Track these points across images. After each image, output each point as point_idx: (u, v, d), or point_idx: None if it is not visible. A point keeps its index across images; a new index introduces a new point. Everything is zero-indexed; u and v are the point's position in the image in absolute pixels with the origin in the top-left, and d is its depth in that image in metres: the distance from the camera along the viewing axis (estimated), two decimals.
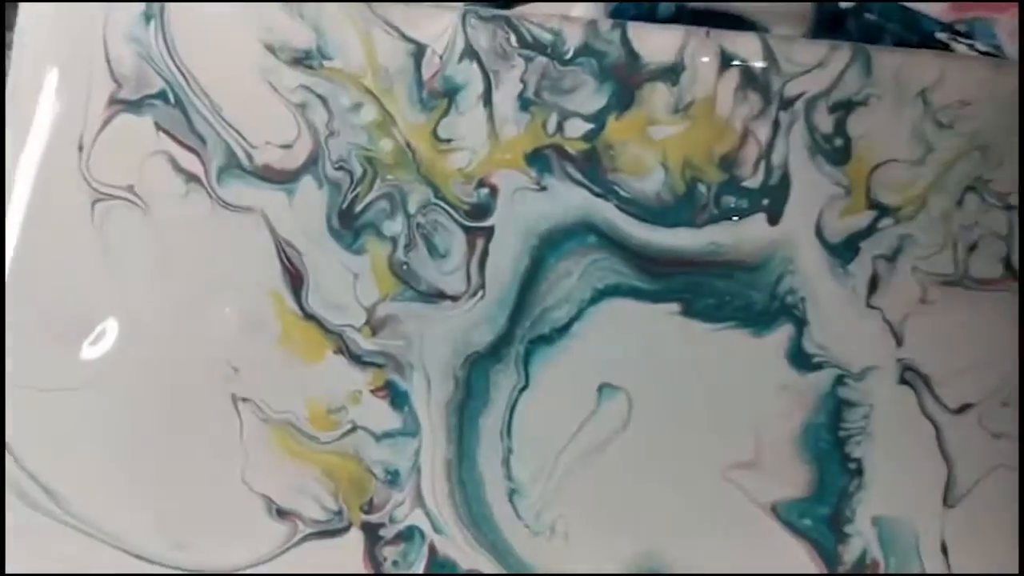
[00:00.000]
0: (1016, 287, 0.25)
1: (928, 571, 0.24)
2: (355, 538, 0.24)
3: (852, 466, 0.24)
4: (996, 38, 0.32)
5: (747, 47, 0.24)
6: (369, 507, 0.24)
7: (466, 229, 0.24)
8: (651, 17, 0.32)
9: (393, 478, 0.24)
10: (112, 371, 0.24)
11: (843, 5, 0.29)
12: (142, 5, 0.24)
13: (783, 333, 0.24)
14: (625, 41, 0.24)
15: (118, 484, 0.24)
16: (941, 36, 0.29)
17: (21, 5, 0.24)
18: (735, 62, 0.24)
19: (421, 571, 0.24)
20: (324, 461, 0.24)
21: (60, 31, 0.24)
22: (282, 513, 0.24)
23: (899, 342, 0.24)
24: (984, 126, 0.24)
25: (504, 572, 0.24)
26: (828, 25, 0.31)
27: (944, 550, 0.24)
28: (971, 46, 0.29)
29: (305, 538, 0.24)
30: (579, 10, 0.31)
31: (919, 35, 0.30)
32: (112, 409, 0.24)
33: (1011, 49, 0.32)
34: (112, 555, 0.24)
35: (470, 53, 0.24)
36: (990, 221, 0.25)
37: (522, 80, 0.24)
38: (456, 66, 0.24)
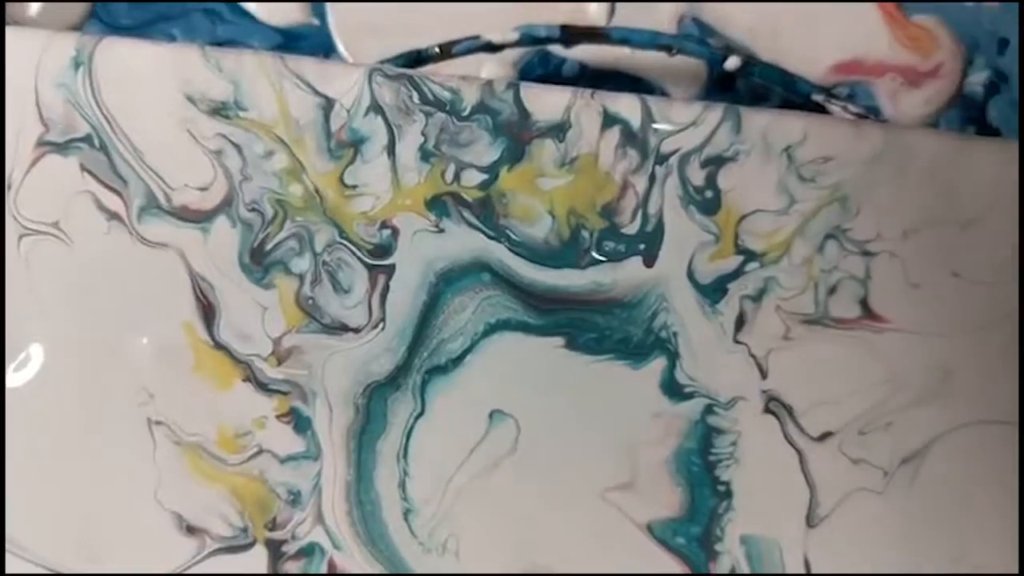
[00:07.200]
0: (872, 327, 0.26)
1: None
2: (259, 554, 0.25)
3: (721, 488, 0.25)
4: (874, 99, 0.35)
5: (628, 107, 0.25)
6: (273, 525, 0.25)
7: (369, 267, 0.25)
8: (557, 74, 0.34)
9: (295, 498, 0.25)
10: (34, 394, 0.25)
11: (728, 68, 0.31)
12: (72, 52, 0.25)
13: (657, 365, 0.25)
14: (518, 100, 0.25)
15: (38, 502, 0.25)
16: (817, 98, 0.32)
17: None
18: (616, 121, 0.25)
19: None
20: (231, 482, 0.25)
21: None
22: (191, 529, 0.25)
23: (764, 375, 0.25)
24: (844, 180, 0.26)
25: None
26: (721, 86, 0.34)
27: (807, 567, 0.26)
28: (845, 107, 0.31)
29: (212, 553, 0.25)
30: (488, 69, 0.33)
31: (799, 96, 0.32)
32: (34, 429, 0.25)
33: (889, 110, 0.35)
34: (29, 569, 0.25)
35: (375, 108, 0.25)
36: (848, 266, 0.26)
37: (423, 133, 0.25)
38: (362, 119, 0.25)
